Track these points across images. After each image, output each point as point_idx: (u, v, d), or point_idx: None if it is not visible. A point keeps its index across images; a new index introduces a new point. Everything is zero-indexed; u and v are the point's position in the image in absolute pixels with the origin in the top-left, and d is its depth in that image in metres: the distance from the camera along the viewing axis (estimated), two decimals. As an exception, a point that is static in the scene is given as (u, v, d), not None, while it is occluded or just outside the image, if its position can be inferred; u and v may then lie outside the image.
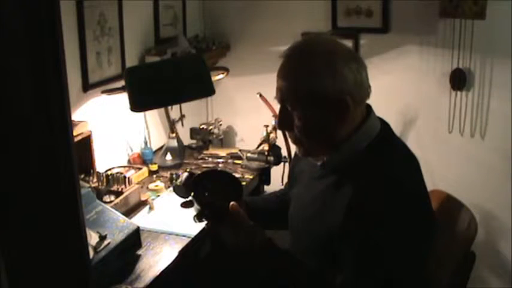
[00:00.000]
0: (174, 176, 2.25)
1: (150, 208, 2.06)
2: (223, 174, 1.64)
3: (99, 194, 1.96)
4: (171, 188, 2.23)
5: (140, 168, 2.34)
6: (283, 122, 1.41)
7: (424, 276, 1.38)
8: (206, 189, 1.51)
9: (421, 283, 1.37)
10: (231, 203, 1.43)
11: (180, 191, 1.73)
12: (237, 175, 2.34)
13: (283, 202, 1.64)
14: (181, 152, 2.53)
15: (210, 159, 2.55)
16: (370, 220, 1.25)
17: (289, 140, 1.47)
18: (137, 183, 2.16)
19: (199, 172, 1.62)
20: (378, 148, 1.36)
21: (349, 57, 1.35)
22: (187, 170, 1.71)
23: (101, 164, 2.19)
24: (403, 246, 1.27)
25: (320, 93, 1.31)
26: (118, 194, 2.02)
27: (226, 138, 3.02)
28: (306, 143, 1.40)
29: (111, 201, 1.94)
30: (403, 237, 1.27)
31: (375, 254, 1.26)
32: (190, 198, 1.53)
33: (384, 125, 1.43)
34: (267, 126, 2.48)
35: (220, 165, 2.50)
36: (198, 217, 1.49)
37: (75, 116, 2.11)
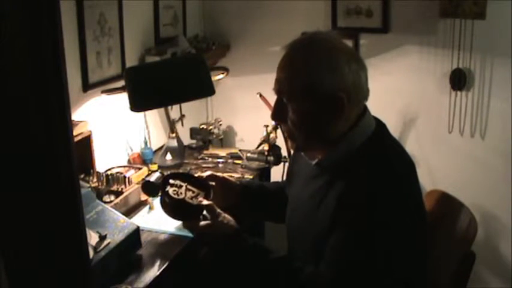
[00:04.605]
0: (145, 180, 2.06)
1: (150, 208, 2.06)
2: (188, 176, 1.67)
3: (99, 194, 1.96)
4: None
5: (140, 168, 2.34)
6: (277, 113, 1.41)
7: (421, 275, 1.38)
8: (176, 187, 1.57)
9: (416, 282, 1.36)
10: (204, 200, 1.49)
11: (148, 187, 1.89)
12: (237, 175, 2.35)
13: (280, 190, 1.64)
14: (181, 152, 2.53)
15: (210, 159, 2.55)
16: (358, 213, 1.25)
17: (284, 133, 1.48)
18: (137, 183, 2.16)
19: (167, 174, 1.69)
20: (370, 147, 1.36)
21: (350, 57, 1.35)
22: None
23: (101, 164, 2.19)
24: (389, 241, 1.25)
25: (317, 88, 1.31)
26: (118, 194, 2.02)
27: (226, 138, 3.02)
28: (297, 137, 1.39)
29: (111, 201, 1.94)
30: (390, 233, 1.25)
31: (358, 246, 1.25)
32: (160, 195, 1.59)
33: (379, 125, 1.42)
34: (267, 126, 2.48)
35: (220, 165, 2.50)
36: (170, 212, 1.55)
37: (75, 116, 2.10)
